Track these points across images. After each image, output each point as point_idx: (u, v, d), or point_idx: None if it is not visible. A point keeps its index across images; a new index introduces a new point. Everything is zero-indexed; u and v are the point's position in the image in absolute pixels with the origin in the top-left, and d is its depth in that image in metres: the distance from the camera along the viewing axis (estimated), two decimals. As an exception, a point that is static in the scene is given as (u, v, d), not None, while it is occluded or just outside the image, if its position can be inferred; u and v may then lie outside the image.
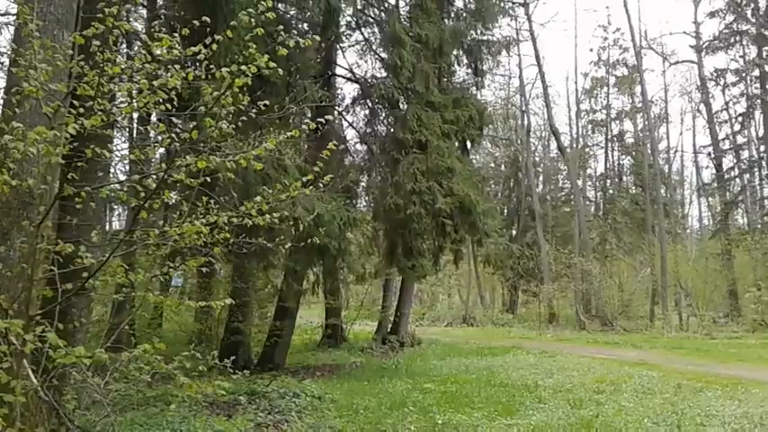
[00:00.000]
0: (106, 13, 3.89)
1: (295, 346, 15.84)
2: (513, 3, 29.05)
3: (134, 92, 4.40)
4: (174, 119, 6.68)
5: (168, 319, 14.68)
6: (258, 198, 4.80)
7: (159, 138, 4.58)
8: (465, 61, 15.81)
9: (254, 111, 4.76)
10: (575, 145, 39.08)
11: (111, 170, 8.80)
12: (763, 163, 33.33)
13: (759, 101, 32.09)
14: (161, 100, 4.26)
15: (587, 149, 41.81)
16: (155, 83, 4.18)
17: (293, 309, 13.33)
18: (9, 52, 4.78)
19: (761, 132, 33.38)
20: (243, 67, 4.12)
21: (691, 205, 48.24)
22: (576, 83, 41.22)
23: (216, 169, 4.41)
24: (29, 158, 4.02)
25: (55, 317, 4.19)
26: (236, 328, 12.43)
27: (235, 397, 8.13)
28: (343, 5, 12.40)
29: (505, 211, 39.52)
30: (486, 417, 8.05)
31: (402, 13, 14.25)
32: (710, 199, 39.91)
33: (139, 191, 4.31)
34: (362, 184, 15.11)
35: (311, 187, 5.27)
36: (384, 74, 14.10)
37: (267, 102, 4.98)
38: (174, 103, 4.40)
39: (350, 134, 15.97)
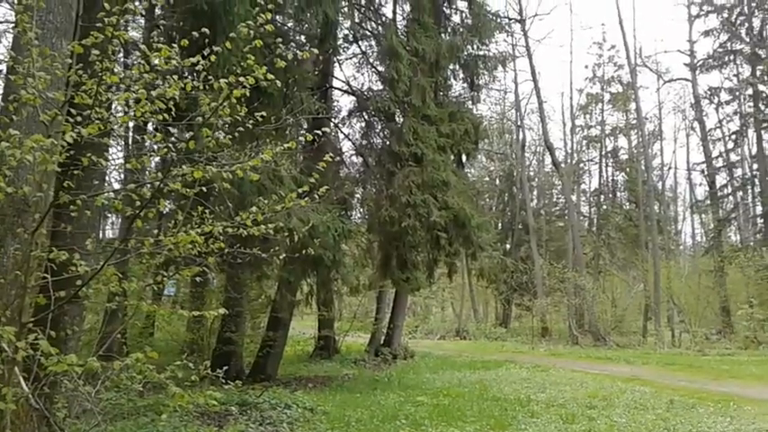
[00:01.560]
0: (105, 22, 3.91)
1: (287, 357, 15.79)
2: (510, 19, 29.28)
3: (131, 101, 4.41)
4: (170, 128, 6.70)
5: (160, 329, 14.62)
6: (253, 208, 4.80)
7: (156, 147, 4.59)
8: (461, 76, 15.92)
9: (251, 122, 4.78)
10: (569, 160, 39.26)
11: (107, 179, 8.80)
12: (756, 181, 33.50)
13: (752, 119, 32.33)
14: (158, 109, 4.28)
15: (582, 165, 42.00)
16: (153, 93, 4.19)
17: (286, 319, 13.31)
18: (7, 60, 4.79)
19: (754, 151, 33.62)
20: (241, 79, 4.14)
21: (684, 222, 48.50)
22: (570, 99, 41.42)
23: (212, 179, 4.42)
24: (25, 166, 4.02)
25: (47, 324, 4.17)
26: (228, 338, 12.39)
27: (226, 408, 8.09)
28: (340, 18, 12.49)
29: (500, 224, 39.58)
30: (478, 430, 8.05)
31: (399, 27, 14.34)
32: (703, 216, 40.10)
33: (135, 200, 4.31)
34: (358, 195, 15.14)
35: (307, 198, 5.28)
36: (380, 87, 14.18)
37: (264, 113, 5.01)
38: (172, 112, 4.41)
39: (346, 146, 16.04)
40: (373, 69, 15.07)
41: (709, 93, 34.88)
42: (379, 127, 14.55)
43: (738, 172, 35.79)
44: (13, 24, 5.66)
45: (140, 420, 7.16)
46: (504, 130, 41.19)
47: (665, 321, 29.10)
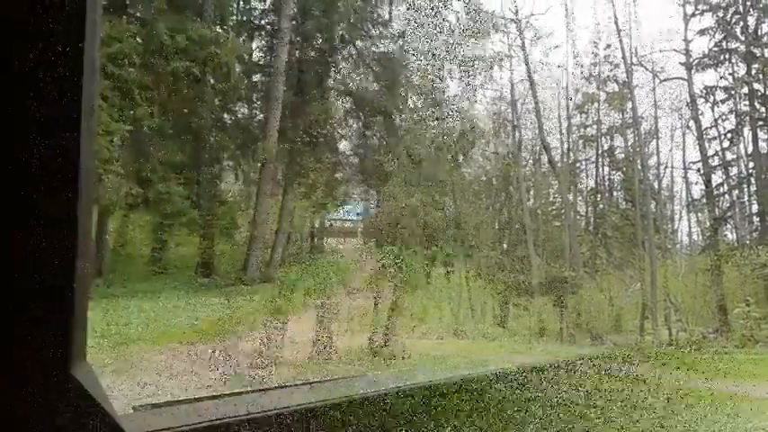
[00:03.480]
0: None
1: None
2: (505, 18, 29.32)
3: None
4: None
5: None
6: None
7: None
8: (458, 75, 15.94)
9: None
10: (565, 159, 39.25)
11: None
12: (752, 179, 33.59)
13: (748, 118, 32.40)
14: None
15: (578, 164, 42.01)
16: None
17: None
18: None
19: (750, 149, 33.69)
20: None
21: (680, 221, 48.40)
22: (567, 98, 41.38)
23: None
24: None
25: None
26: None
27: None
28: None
29: (496, 224, 39.56)
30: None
31: (395, 27, 14.34)
32: (700, 214, 40.12)
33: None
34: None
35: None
36: (377, 87, 14.17)
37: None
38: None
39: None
40: (370, 69, 15.06)
41: (704, 91, 34.92)
42: (376, 127, 14.55)
43: (734, 170, 35.80)
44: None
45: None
46: (500, 129, 41.22)
47: (662, 320, 29.11)
